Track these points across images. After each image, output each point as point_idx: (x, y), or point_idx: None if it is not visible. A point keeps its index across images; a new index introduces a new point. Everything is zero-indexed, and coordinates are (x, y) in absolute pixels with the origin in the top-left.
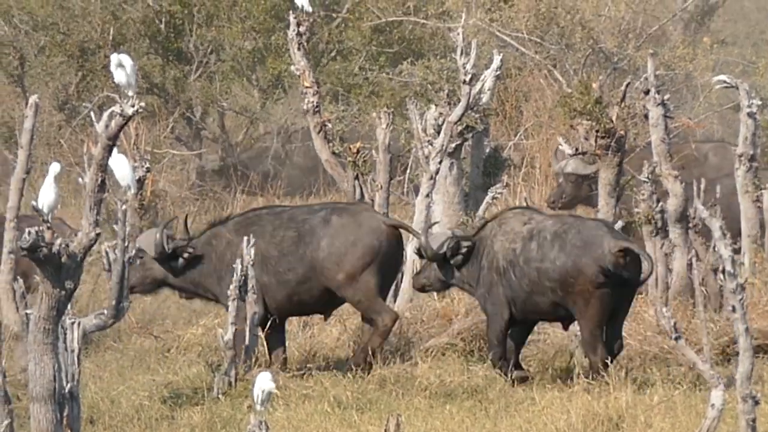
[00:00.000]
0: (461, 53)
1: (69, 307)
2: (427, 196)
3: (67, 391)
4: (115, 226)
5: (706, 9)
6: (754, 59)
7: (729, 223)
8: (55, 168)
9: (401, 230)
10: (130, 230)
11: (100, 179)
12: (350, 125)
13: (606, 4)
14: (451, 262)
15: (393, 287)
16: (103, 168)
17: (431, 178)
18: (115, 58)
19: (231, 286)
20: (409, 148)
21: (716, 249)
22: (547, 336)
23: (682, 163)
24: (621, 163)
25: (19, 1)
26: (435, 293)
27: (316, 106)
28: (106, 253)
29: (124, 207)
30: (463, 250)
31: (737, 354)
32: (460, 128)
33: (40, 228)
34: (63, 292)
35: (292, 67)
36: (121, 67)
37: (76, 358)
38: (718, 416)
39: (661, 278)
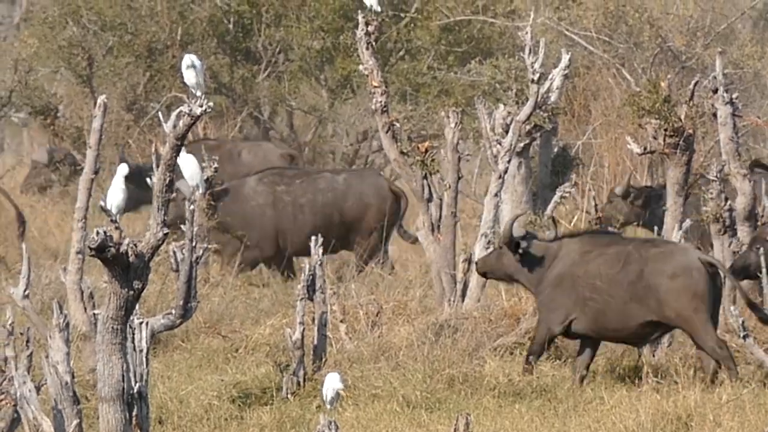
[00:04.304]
0: (529, 52)
1: (137, 307)
2: (496, 195)
3: (135, 391)
4: (183, 226)
5: None
6: None
7: None
8: (123, 168)
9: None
10: (198, 230)
11: (168, 179)
12: (418, 124)
13: (674, 2)
14: None
15: (461, 286)
16: (171, 168)
17: (500, 177)
18: (187, 59)
19: (299, 286)
20: (477, 147)
21: None
22: None
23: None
24: (689, 162)
25: (87, 2)
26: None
27: (385, 106)
28: (174, 253)
29: (192, 207)
30: None
31: None
32: (528, 127)
33: (108, 228)
34: (131, 292)
35: (361, 67)
36: (192, 68)
37: (144, 358)
38: None
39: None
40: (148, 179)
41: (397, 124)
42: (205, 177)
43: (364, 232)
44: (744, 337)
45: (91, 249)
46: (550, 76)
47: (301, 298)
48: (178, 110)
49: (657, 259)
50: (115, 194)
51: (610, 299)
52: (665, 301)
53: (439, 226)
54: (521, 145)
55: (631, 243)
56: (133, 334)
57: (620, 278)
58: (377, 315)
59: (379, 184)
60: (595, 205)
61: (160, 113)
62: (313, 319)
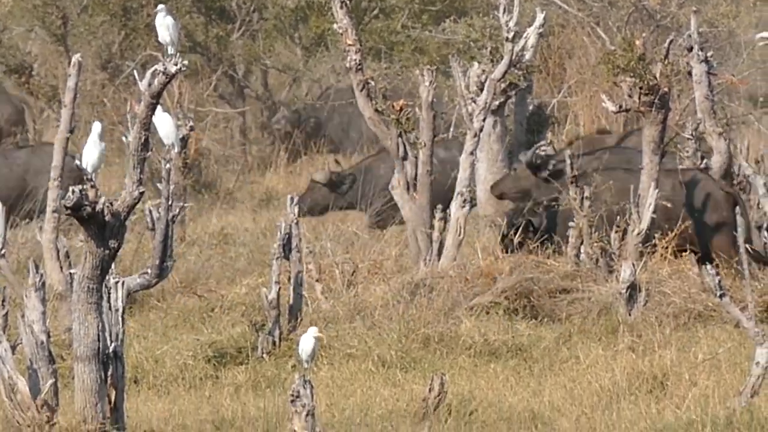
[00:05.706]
0: (504, 10)
1: (113, 266)
2: (471, 153)
3: (111, 350)
4: (158, 184)
5: None
6: None
7: None
8: (97, 126)
9: None
10: (174, 189)
11: (143, 138)
12: (393, 83)
13: None
14: None
15: (437, 245)
16: (147, 126)
17: (475, 135)
18: (160, 15)
19: (274, 245)
20: (452, 105)
21: (760, 206)
22: (591, 294)
23: None
24: (665, 120)
25: None
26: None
27: (359, 64)
28: (150, 212)
29: (168, 166)
30: None
31: None
32: (503, 85)
33: (84, 186)
34: (107, 251)
35: (335, 25)
36: (168, 17)
37: (120, 318)
38: (762, 373)
39: None
40: (123, 138)
41: (372, 83)
42: (181, 135)
43: None
44: (720, 296)
45: (66, 207)
46: (524, 35)
47: (277, 258)
48: (153, 69)
49: None
50: (91, 152)
51: None
52: None
53: (414, 184)
54: (496, 103)
55: None
56: (109, 293)
57: None
58: (353, 274)
59: None
60: (571, 162)
61: (135, 72)
62: (289, 279)
